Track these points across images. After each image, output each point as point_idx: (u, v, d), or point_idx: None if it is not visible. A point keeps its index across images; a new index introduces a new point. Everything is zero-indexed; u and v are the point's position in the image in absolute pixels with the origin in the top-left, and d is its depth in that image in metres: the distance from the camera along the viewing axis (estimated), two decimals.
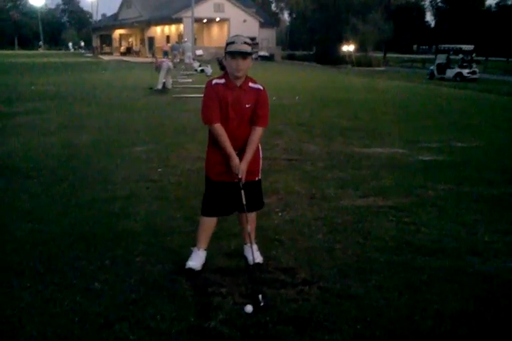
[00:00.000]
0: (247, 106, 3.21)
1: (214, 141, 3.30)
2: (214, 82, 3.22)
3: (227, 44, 3.13)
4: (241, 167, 3.23)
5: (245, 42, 3.09)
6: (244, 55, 3.09)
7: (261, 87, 3.28)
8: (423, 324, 2.88)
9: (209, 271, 3.46)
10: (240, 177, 3.24)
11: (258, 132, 3.30)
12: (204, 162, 3.47)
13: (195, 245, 3.57)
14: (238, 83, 3.19)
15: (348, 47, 45.95)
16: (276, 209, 4.81)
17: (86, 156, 6.90)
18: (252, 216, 3.54)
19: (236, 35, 3.19)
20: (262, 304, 2.98)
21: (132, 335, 2.71)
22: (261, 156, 3.51)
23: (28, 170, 6.07)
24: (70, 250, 3.77)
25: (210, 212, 3.48)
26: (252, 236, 3.57)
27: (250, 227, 3.47)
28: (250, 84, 3.25)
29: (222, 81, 3.21)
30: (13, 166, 6.28)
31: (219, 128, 3.20)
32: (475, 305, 3.11)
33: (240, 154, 3.27)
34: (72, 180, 5.69)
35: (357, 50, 45.68)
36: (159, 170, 6.18)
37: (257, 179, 3.51)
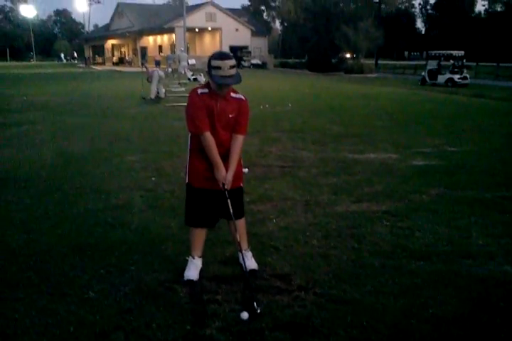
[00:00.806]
0: (230, 116, 3.26)
1: (197, 148, 3.33)
2: (199, 91, 3.24)
3: (213, 67, 3.10)
4: (227, 178, 3.28)
5: (231, 67, 3.10)
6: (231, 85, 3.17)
7: (243, 97, 3.34)
8: (419, 328, 2.88)
9: (205, 279, 3.46)
10: (226, 187, 3.28)
11: (240, 140, 3.35)
12: (186, 172, 3.48)
13: (190, 254, 3.58)
14: (222, 94, 3.23)
15: (352, 54, 46.47)
16: (271, 215, 4.82)
17: (79, 166, 6.89)
18: (240, 223, 3.55)
19: (220, 57, 3.13)
20: (258, 311, 2.98)
21: None
22: (241, 163, 3.57)
23: (22, 181, 6.05)
24: (64, 260, 3.76)
25: (194, 221, 3.50)
26: (244, 243, 3.58)
27: (240, 235, 3.48)
28: (232, 95, 3.29)
29: (206, 90, 3.24)
30: (6, 177, 6.27)
31: (209, 136, 3.22)
32: (470, 307, 3.12)
33: (223, 161, 3.30)
34: (65, 190, 5.68)
35: (352, 57, 46.18)
36: (153, 178, 6.18)
37: (241, 185, 3.57)
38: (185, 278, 3.44)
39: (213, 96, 3.22)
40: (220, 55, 3.17)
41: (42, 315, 2.98)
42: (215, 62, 3.11)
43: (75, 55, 78.25)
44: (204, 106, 3.19)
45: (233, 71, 3.12)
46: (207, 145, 3.23)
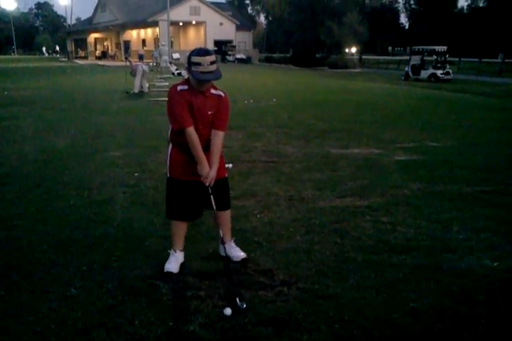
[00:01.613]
0: (209, 112, 3.27)
1: (177, 141, 3.34)
2: (179, 88, 3.24)
3: (193, 63, 3.09)
4: (211, 174, 3.28)
5: (211, 62, 3.09)
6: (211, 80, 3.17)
7: (222, 94, 3.35)
8: (401, 321, 2.92)
9: (187, 275, 3.46)
10: (209, 185, 3.30)
11: (220, 137, 3.36)
12: (166, 165, 3.48)
13: (171, 248, 3.60)
14: (201, 90, 3.22)
15: (351, 50, 46.74)
16: (254, 211, 4.82)
17: (62, 162, 6.82)
18: (225, 215, 3.63)
19: (200, 53, 3.12)
20: (244, 306, 2.98)
21: None
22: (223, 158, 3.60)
23: (3, 177, 5.97)
24: (45, 257, 3.72)
25: (175, 214, 3.51)
26: (228, 235, 3.68)
27: (224, 227, 3.58)
28: (212, 91, 3.30)
29: (186, 87, 3.24)
30: None
31: (192, 131, 3.21)
32: (451, 301, 3.16)
33: (207, 152, 3.32)
34: (47, 186, 5.62)
35: (358, 51, 46.61)
36: (136, 174, 6.14)
37: (226, 175, 3.61)
38: (165, 270, 3.45)
39: (193, 93, 3.22)
40: (200, 51, 3.16)
41: (23, 313, 2.95)
42: (194, 58, 3.10)
43: (57, 48, 77.16)
44: (185, 102, 3.19)
45: (213, 67, 3.11)
46: (190, 140, 3.22)
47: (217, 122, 3.32)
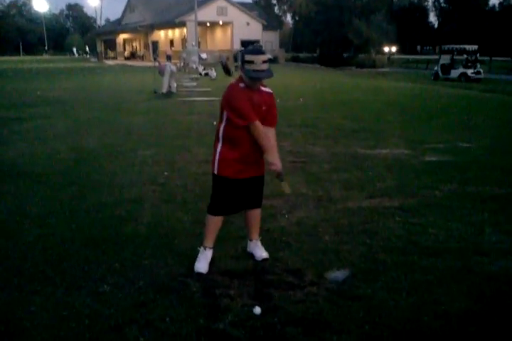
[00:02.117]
0: (263, 108, 3.38)
1: (229, 138, 3.39)
2: (240, 85, 3.34)
3: (247, 61, 3.21)
4: (278, 163, 3.42)
5: (264, 61, 3.21)
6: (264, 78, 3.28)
7: (270, 91, 3.50)
8: (431, 324, 2.89)
9: (217, 273, 3.49)
10: (280, 171, 3.44)
11: (273, 132, 3.53)
12: (214, 162, 3.48)
13: (201, 245, 3.64)
14: (255, 87, 3.35)
15: (390, 48, 46.56)
16: (282, 211, 4.83)
17: (93, 160, 6.95)
18: (259, 212, 3.75)
19: (254, 52, 3.24)
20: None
21: (142, 337, 2.74)
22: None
23: (37, 175, 6.12)
24: (78, 254, 3.81)
25: (222, 211, 3.58)
26: (257, 233, 3.80)
27: (256, 224, 3.75)
28: (262, 88, 3.43)
29: (243, 85, 3.33)
30: (21, 171, 6.33)
31: (259, 124, 3.31)
32: (482, 304, 3.11)
33: (258, 152, 3.44)
34: (80, 184, 5.73)
35: (398, 50, 46.37)
36: (165, 173, 6.22)
37: (264, 172, 3.67)
38: (196, 270, 3.51)
39: (250, 90, 3.33)
40: (253, 50, 3.27)
41: (58, 308, 3.03)
42: (248, 57, 3.21)
43: (87, 49, 78.56)
44: (247, 98, 3.29)
45: (265, 66, 3.23)
46: (258, 133, 3.31)
47: (269, 118, 3.44)
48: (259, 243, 3.77)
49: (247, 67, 3.21)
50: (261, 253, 3.71)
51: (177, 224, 4.42)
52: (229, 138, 3.41)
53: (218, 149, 3.47)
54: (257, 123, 3.30)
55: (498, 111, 13.48)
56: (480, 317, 2.98)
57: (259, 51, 3.27)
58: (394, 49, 46.98)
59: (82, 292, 3.22)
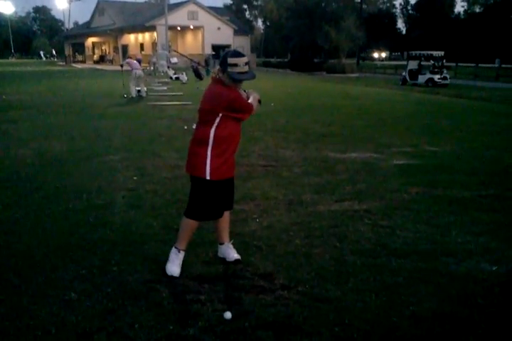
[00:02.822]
0: None
1: (221, 141, 3.36)
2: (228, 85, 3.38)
3: (230, 64, 3.21)
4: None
5: (246, 63, 3.26)
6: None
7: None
8: (400, 325, 2.93)
9: (187, 278, 3.46)
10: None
11: None
12: (205, 168, 3.37)
13: (176, 246, 3.58)
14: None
15: (380, 54, 47.07)
16: (253, 215, 4.83)
17: (60, 166, 6.81)
18: (229, 215, 3.79)
19: (236, 55, 3.27)
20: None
21: None
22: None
23: (2, 181, 5.97)
24: (45, 261, 3.72)
25: (206, 216, 3.53)
26: (228, 235, 3.84)
27: (227, 227, 3.80)
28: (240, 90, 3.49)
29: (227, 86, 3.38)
30: None
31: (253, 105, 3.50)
32: (450, 305, 3.17)
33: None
34: (46, 190, 5.61)
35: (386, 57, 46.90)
36: (135, 178, 6.14)
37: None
38: (168, 273, 3.48)
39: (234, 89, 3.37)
40: (235, 53, 3.31)
41: (23, 317, 2.95)
42: (231, 60, 3.22)
43: (54, 52, 77.14)
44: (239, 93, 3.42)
45: (247, 67, 3.28)
46: (255, 109, 3.51)
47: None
48: (230, 245, 3.79)
49: (231, 69, 3.21)
50: (233, 254, 3.74)
51: (146, 230, 4.37)
52: (220, 140, 3.35)
53: (208, 153, 3.36)
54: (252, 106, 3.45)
55: (464, 115, 13.82)
56: (447, 317, 3.03)
57: (241, 54, 3.31)
58: (384, 55, 47.83)
59: (48, 300, 3.15)
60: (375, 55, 46.56)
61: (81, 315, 2.97)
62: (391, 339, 2.81)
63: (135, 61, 16.62)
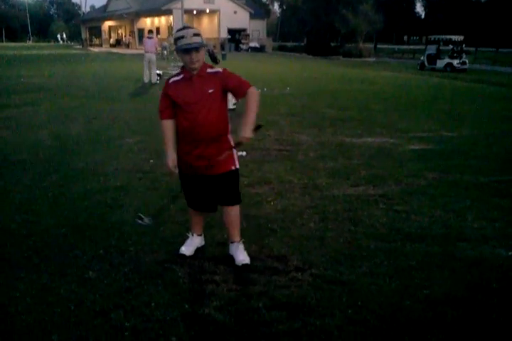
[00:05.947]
0: (209, 91, 3.11)
1: (178, 133, 3.27)
2: (171, 80, 3.25)
3: (176, 39, 3.06)
4: (245, 133, 3.02)
5: (195, 34, 3.04)
6: (197, 48, 3.05)
7: (220, 70, 3.17)
8: (413, 309, 2.94)
9: (203, 259, 3.51)
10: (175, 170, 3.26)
11: (251, 95, 3.10)
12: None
13: (190, 230, 3.67)
14: (195, 72, 3.13)
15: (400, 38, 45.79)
16: (268, 198, 4.85)
17: (78, 148, 6.89)
18: (232, 211, 3.41)
19: (183, 28, 3.12)
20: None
21: (127, 322, 2.75)
22: (232, 145, 3.23)
23: (20, 162, 6.06)
24: (63, 240, 3.80)
25: (190, 204, 3.55)
26: (235, 235, 3.49)
27: (230, 224, 3.46)
28: (208, 70, 3.17)
29: (179, 77, 3.20)
30: (5, 158, 6.27)
31: (165, 123, 3.31)
32: (464, 289, 3.17)
33: (210, 143, 3.17)
34: (64, 172, 5.69)
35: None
36: (151, 161, 6.19)
37: (233, 168, 3.30)
38: (179, 252, 3.53)
39: (186, 78, 3.16)
40: (181, 27, 3.16)
41: (42, 294, 3.02)
42: (177, 34, 3.08)
43: (64, 36, 77.17)
44: (170, 94, 3.18)
45: (197, 39, 3.05)
46: (162, 131, 3.30)
47: (235, 89, 3.14)
48: (241, 246, 3.49)
49: (179, 43, 3.04)
50: (241, 257, 3.42)
51: (162, 212, 4.42)
52: (178, 133, 3.27)
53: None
54: (163, 122, 3.32)
55: (483, 101, 13.60)
56: (461, 301, 3.03)
57: (188, 26, 3.18)
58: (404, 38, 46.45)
59: (67, 278, 3.22)
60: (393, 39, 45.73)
61: (99, 293, 3.04)
62: (404, 322, 2.82)
63: (148, 40, 15.89)
